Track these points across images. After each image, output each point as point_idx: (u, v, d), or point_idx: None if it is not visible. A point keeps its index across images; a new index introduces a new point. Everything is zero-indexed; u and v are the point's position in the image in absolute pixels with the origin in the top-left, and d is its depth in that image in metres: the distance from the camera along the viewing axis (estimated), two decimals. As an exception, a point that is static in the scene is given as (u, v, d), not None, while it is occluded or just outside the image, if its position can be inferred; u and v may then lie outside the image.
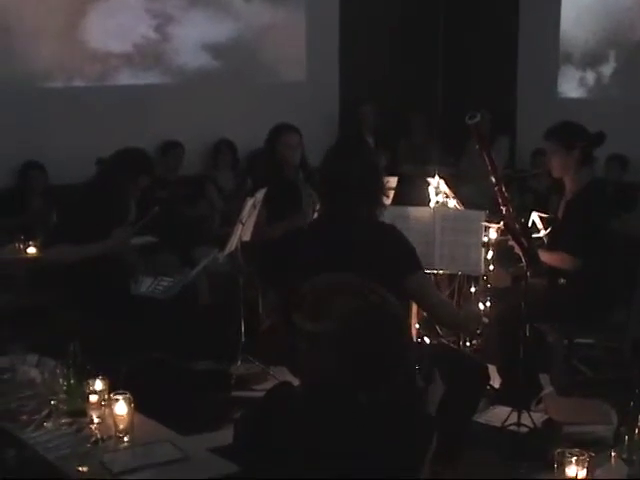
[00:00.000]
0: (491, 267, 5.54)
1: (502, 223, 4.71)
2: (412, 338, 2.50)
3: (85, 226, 4.93)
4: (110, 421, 3.40)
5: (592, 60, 8.79)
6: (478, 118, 4.72)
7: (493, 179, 4.78)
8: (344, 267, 2.93)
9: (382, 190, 3.87)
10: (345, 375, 2.40)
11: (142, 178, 5.16)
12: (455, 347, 5.33)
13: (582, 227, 4.80)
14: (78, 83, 7.71)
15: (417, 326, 4.94)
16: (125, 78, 7.91)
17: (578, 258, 4.77)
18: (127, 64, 7.92)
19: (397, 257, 3.68)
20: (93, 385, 3.54)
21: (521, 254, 4.45)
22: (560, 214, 5.04)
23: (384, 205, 3.90)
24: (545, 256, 4.79)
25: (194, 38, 8.16)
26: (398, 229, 3.81)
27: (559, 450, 2.96)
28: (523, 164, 8.71)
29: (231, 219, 5.83)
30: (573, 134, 4.90)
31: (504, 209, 4.76)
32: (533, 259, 4.54)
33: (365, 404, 2.40)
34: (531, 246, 4.55)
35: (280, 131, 5.97)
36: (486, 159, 4.77)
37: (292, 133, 5.97)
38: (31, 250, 6.11)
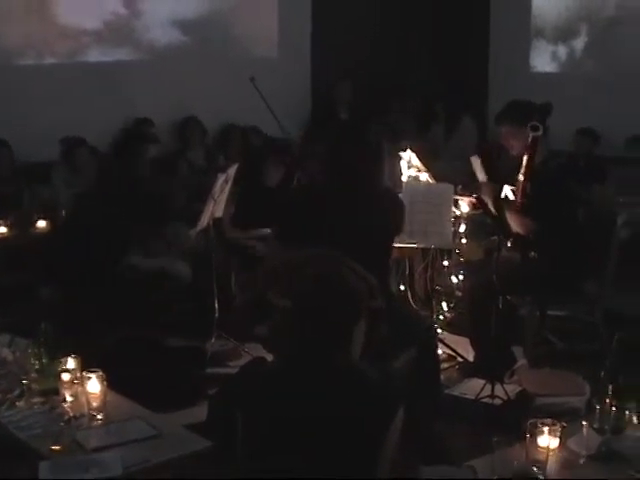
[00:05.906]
0: (464, 240, 5.57)
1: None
2: (384, 312, 2.51)
3: None
4: (83, 399, 3.39)
5: (564, 34, 8.80)
6: (540, 132, 4.74)
7: (522, 177, 4.81)
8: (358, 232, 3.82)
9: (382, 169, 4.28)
10: (309, 348, 2.43)
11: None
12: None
13: (543, 198, 4.80)
14: (49, 60, 7.63)
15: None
16: (95, 55, 7.83)
17: (534, 223, 4.79)
18: (97, 41, 7.83)
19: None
20: (65, 363, 3.53)
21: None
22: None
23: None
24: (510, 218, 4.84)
25: (164, 14, 8.08)
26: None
27: (531, 421, 2.98)
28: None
29: (202, 195, 5.78)
30: (521, 112, 4.90)
31: (520, 203, 4.83)
32: (505, 231, 4.59)
33: (331, 375, 2.42)
34: (502, 217, 4.58)
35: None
36: (525, 163, 4.80)
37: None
38: (2, 230, 6.06)
